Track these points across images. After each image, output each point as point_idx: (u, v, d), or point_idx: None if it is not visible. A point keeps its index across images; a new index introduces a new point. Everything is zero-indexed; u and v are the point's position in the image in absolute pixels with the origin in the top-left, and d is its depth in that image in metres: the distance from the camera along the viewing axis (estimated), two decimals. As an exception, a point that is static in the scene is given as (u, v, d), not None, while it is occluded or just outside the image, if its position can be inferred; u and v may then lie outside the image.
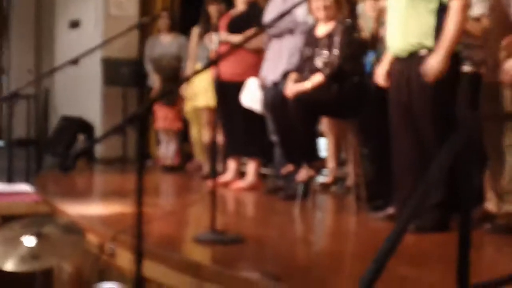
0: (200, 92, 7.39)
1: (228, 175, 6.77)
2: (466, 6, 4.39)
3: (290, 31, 5.97)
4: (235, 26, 6.47)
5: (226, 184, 6.57)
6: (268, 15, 6.16)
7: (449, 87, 4.48)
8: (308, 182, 5.56)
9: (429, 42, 4.43)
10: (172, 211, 5.19)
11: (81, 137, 9.27)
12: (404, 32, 4.51)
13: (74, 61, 4.82)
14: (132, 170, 7.63)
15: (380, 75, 4.84)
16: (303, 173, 5.45)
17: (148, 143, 9.10)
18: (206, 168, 7.54)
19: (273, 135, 6.22)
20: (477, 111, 4.70)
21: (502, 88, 4.62)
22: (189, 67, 7.79)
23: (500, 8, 4.64)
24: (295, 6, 3.94)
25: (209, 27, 7.28)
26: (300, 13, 5.90)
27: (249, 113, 6.33)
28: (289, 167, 5.64)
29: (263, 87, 6.21)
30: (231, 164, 6.77)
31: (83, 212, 5.18)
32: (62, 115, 9.94)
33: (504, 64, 4.13)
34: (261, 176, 6.80)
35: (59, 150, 9.02)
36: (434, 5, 4.45)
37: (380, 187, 5.48)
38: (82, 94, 9.79)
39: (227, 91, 6.39)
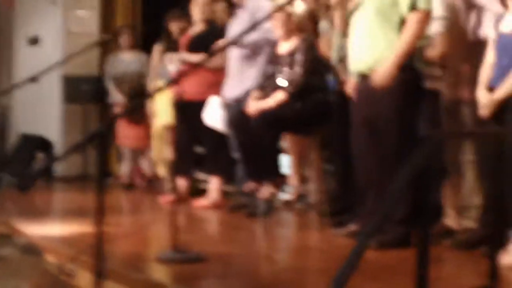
0: (161, 110, 7.38)
1: (177, 194, 6.77)
2: (423, 20, 4.43)
3: (260, 48, 5.98)
4: (195, 45, 6.47)
5: (177, 202, 6.57)
6: (233, 31, 6.16)
7: (411, 104, 4.51)
8: (270, 199, 5.55)
9: None
10: (134, 230, 5.14)
11: (40, 156, 9.17)
12: (369, 50, 4.54)
13: (34, 79, 4.76)
14: (92, 189, 7.56)
15: (350, 90, 4.87)
16: (265, 190, 5.44)
17: (109, 161, 9.03)
18: (168, 185, 7.50)
19: (235, 152, 6.22)
20: (438, 128, 4.74)
21: (461, 105, 4.67)
22: (151, 84, 7.77)
23: (458, 25, 4.68)
24: (258, 23, 3.95)
25: (170, 44, 7.29)
26: (269, 30, 5.92)
27: (211, 131, 6.33)
28: (252, 184, 5.63)
29: (225, 105, 6.21)
30: (181, 182, 6.74)
31: (42, 232, 5.11)
32: (21, 133, 9.83)
33: (480, 97, 4.17)
34: (224, 193, 6.78)
35: (18, 169, 8.90)
36: (397, 22, 4.48)
37: (343, 203, 5.50)
38: (42, 112, 9.68)
39: (188, 110, 6.38)
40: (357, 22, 4.67)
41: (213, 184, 6.63)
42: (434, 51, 4.86)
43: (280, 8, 5.10)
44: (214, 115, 6.28)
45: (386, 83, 4.42)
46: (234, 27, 6.19)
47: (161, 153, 7.79)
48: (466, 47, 4.65)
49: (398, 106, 4.45)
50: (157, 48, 7.76)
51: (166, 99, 7.02)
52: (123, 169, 8.44)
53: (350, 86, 4.87)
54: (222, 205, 6.49)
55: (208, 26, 6.66)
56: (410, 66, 4.48)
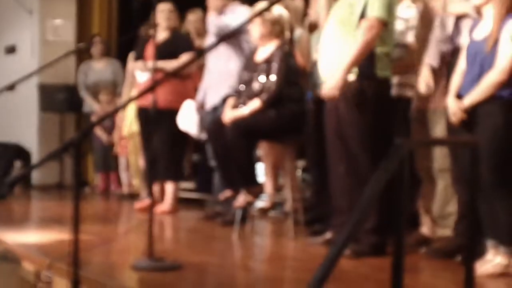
0: (131, 118, 7.43)
1: (147, 200, 6.80)
2: (374, 27, 4.47)
3: (240, 50, 6.03)
4: (161, 53, 6.49)
5: (145, 209, 6.62)
6: (209, 38, 6.20)
7: (378, 112, 4.55)
8: (246, 208, 5.57)
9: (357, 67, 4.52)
10: (109, 238, 5.15)
11: (17, 164, 9.15)
12: (333, 60, 4.59)
13: (10, 87, 4.76)
14: (69, 197, 7.56)
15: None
16: (241, 199, 5.46)
17: (85, 170, 9.02)
18: (143, 194, 7.52)
19: (212, 160, 6.25)
20: (408, 137, 4.79)
21: (429, 113, 4.73)
22: (125, 93, 7.80)
23: (426, 36, 4.73)
24: (237, 29, 3.98)
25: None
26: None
27: (172, 138, 6.46)
28: (228, 193, 5.65)
29: (200, 110, 6.27)
30: (154, 189, 6.78)
31: (19, 239, 5.10)
32: (-3, 141, 9.80)
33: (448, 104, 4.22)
34: (198, 202, 6.86)
35: (-5, 177, 8.88)
36: (355, 31, 4.53)
37: (318, 212, 5.53)
38: (19, 120, 9.66)
39: (150, 117, 6.42)
40: (325, 32, 4.75)
41: (169, 190, 6.73)
42: (406, 59, 4.93)
43: (258, 14, 5.12)
44: (188, 120, 6.32)
45: (333, 93, 4.47)
46: (212, 34, 6.22)
47: (135, 160, 7.82)
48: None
49: (361, 114, 4.49)
50: (131, 57, 7.79)
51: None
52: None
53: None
54: (176, 210, 6.69)
55: (172, 34, 6.69)
56: (370, 75, 4.52)
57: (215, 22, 6.03)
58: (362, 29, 4.48)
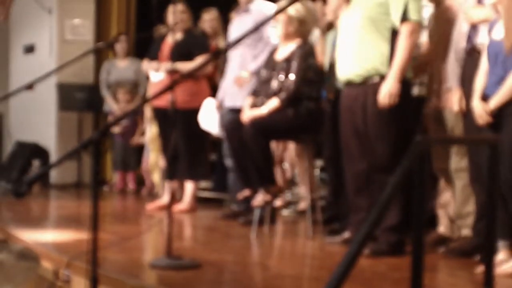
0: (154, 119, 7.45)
1: (165, 198, 6.84)
2: (415, 31, 4.48)
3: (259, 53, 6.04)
4: (175, 54, 6.51)
5: (162, 207, 6.65)
6: (234, 35, 6.20)
7: (402, 112, 4.54)
8: (264, 207, 5.57)
9: (384, 68, 4.50)
10: (128, 236, 5.16)
11: (35, 163, 9.18)
12: (359, 58, 4.56)
13: (29, 86, 4.78)
14: (87, 196, 7.60)
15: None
16: (259, 198, 5.46)
17: (104, 169, 9.05)
18: (160, 191, 7.56)
19: (228, 160, 6.27)
20: (426, 135, 4.77)
21: (447, 113, 4.71)
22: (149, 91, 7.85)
23: (446, 35, 4.71)
24: (259, 25, 3.97)
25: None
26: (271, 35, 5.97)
27: (190, 137, 6.47)
28: (246, 192, 5.65)
29: (219, 108, 6.28)
30: (169, 187, 6.80)
31: (37, 238, 5.13)
32: (16, 140, 9.84)
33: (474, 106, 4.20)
34: (215, 201, 6.88)
35: (13, 176, 8.92)
36: (388, 31, 4.52)
37: (336, 211, 5.52)
38: (37, 119, 9.71)
39: (168, 117, 6.45)
40: (346, 29, 4.70)
41: (188, 189, 6.73)
42: (419, 59, 4.92)
43: (281, 10, 5.11)
44: (209, 119, 6.34)
45: (393, 100, 4.44)
46: (236, 31, 6.22)
47: (156, 159, 7.86)
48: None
49: (387, 114, 4.48)
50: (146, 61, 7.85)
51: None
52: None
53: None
54: (196, 209, 6.72)
55: (186, 34, 6.70)
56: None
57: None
58: (404, 33, 4.46)
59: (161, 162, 7.57)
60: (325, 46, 5.71)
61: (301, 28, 5.53)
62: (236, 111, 5.84)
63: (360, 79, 4.58)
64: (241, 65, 6.11)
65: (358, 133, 4.62)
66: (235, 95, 6.09)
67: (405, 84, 4.53)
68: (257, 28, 4.24)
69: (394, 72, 4.43)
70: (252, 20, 6.05)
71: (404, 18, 4.47)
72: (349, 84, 4.68)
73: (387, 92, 4.42)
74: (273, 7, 6.12)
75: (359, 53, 4.57)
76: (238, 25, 6.26)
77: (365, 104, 4.55)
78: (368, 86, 4.55)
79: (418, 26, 4.51)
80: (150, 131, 7.91)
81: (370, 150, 4.58)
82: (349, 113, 4.68)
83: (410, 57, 4.48)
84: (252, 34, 5.71)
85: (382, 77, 4.49)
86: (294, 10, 5.49)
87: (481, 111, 4.08)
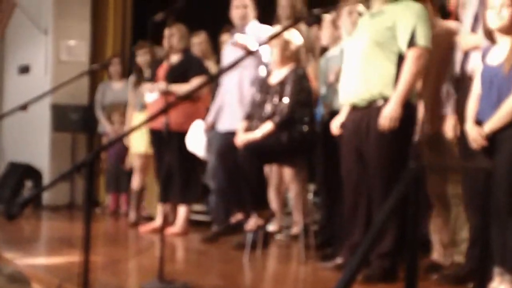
0: (134, 139, 7.47)
1: (157, 221, 6.84)
2: (422, 56, 4.46)
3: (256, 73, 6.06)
4: (173, 75, 6.52)
5: (155, 230, 6.66)
6: (229, 57, 6.21)
7: (404, 137, 4.53)
8: (257, 231, 5.54)
9: (389, 92, 4.47)
10: (120, 259, 5.13)
11: (28, 184, 9.16)
12: (365, 81, 4.54)
13: (23, 107, 4.77)
14: (79, 217, 7.56)
15: (335, 125, 4.90)
16: (252, 222, 5.44)
17: (97, 190, 9.02)
18: (132, 215, 7.58)
19: (211, 181, 6.27)
20: (420, 162, 4.76)
21: (443, 138, 4.70)
22: (129, 114, 7.89)
23: (438, 60, 4.72)
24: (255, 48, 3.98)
25: (140, 75, 7.61)
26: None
27: (184, 160, 6.44)
28: (239, 216, 5.63)
29: (209, 131, 6.28)
30: (162, 210, 6.79)
31: (29, 260, 5.09)
32: (9, 161, 9.82)
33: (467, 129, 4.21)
34: (198, 223, 6.89)
35: (5, 196, 8.89)
36: (395, 55, 4.50)
37: (329, 235, 5.50)
38: (30, 140, 9.69)
39: (162, 139, 6.44)
40: (353, 53, 4.69)
41: (181, 212, 6.72)
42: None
43: (277, 35, 5.12)
44: (196, 141, 6.33)
45: (393, 124, 4.42)
46: (231, 53, 6.23)
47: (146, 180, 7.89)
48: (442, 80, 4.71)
49: (391, 140, 4.46)
50: (131, 80, 7.94)
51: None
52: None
53: (336, 124, 4.91)
54: (188, 232, 6.69)
55: (184, 55, 6.72)
56: (407, 101, 4.50)
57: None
58: (410, 57, 4.45)
59: (134, 183, 7.62)
60: (318, 70, 5.73)
61: (295, 53, 5.55)
62: (229, 135, 5.85)
63: (364, 103, 4.56)
64: (239, 87, 6.11)
65: (360, 156, 4.60)
66: (230, 118, 6.09)
67: (409, 108, 4.50)
68: (252, 53, 4.24)
69: (397, 96, 4.42)
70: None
71: (411, 43, 4.47)
72: (354, 108, 4.66)
73: (388, 115, 4.41)
74: (268, 30, 6.14)
75: (365, 76, 4.55)
76: (234, 47, 6.27)
77: (369, 127, 4.53)
78: (372, 109, 4.53)
79: (426, 52, 4.47)
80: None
81: (370, 174, 4.55)
82: (352, 136, 4.64)
83: (415, 82, 4.46)
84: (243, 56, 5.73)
85: (387, 101, 4.47)
86: (290, 35, 5.50)
87: (475, 135, 4.08)
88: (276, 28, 5.63)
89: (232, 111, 6.09)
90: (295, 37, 5.54)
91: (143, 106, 7.42)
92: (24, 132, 9.80)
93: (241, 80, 6.10)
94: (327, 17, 5.68)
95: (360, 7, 5.32)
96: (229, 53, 6.29)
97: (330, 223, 5.52)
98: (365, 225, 4.55)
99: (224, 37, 6.95)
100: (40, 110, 8.75)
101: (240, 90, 6.09)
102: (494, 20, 4.08)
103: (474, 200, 4.25)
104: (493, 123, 4.00)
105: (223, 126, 6.18)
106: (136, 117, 7.56)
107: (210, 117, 6.38)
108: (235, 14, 6.26)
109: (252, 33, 6.16)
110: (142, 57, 7.67)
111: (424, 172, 4.65)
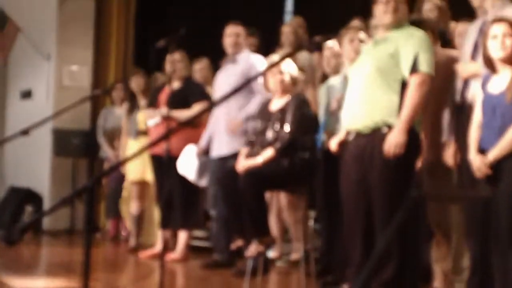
0: (131, 165, 7.47)
1: (157, 247, 6.84)
2: (425, 83, 4.45)
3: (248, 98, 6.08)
4: (174, 101, 6.55)
5: (155, 256, 6.65)
6: (221, 85, 6.24)
7: (407, 165, 4.51)
8: (257, 258, 5.53)
9: (393, 120, 4.46)
10: (120, 285, 5.11)
11: (28, 208, 9.14)
12: (368, 109, 4.53)
13: (25, 132, 4.78)
14: (79, 243, 7.55)
15: (334, 143, 4.89)
16: (253, 249, 5.42)
17: (97, 215, 9.01)
18: (132, 241, 7.57)
19: (212, 209, 6.27)
20: (421, 189, 4.75)
21: (443, 166, 4.70)
22: (123, 141, 7.90)
23: (438, 89, 4.73)
24: (251, 80, 3.99)
25: (134, 104, 7.66)
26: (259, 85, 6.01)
27: (185, 185, 6.42)
28: (239, 242, 5.62)
29: (201, 156, 6.29)
30: (162, 236, 6.77)
31: (28, 285, 5.08)
32: (10, 185, 9.81)
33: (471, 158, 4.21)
34: (198, 249, 6.84)
35: (6, 221, 8.87)
36: (398, 83, 4.50)
37: (329, 262, 5.49)
38: (31, 164, 9.69)
39: (163, 165, 6.43)
40: (355, 79, 4.69)
41: (182, 238, 6.70)
42: None
43: (275, 65, 5.14)
44: (187, 165, 6.34)
45: (398, 150, 4.41)
46: (223, 81, 6.26)
47: (126, 206, 7.88)
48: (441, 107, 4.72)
49: (395, 167, 4.44)
50: (124, 107, 7.99)
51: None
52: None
53: (335, 141, 4.90)
54: (188, 258, 6.66)
55: (184, 82, 6.75)
56: (411, 129, 4.49)
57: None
58: (413, 84, 4.43)
59: (132, 208, 7.61)
60: (317, 97, 5.75)
61: (294, 82, 5.59)
62: (222, 160, 5.88)
63: (368, 130, 4.55)
64: (228, 115, 6.13)
65: (363, 183, 4.57)
66: (223, 143, 6.12)
67: (413, 135, 4.49)
68: (248, 81, 4.26)
69: (402, 122, 4.40)
70: (239, 70, 6.13)
71: (414, 69, 4.47)
72: (357, 135, 4.65)
73: (392, 141, 4.39)
74: (260, 59, 6.20)
75: (368, 104, 4.53)
76: (225, 75, 6.32)
77: (373, 154, 4.51)
78: (376, 136, 4.51)
79: (428, 78, 4.46)
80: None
81: (373, 200, 4.53)
82: (355, 163, 4.61)
83: (418, 108, 4.44)
84: (241, 85, 5.77)
85: (391, 128, 4.46)
86: (286, 65, 5.54)
87: (479, 164, 4.07)
88: (275, 56, 5.68)
89: (226, 138, 6.12)
90: (291, 67, 5.57)
91: (137, 133, 7.46)
92: (25, 157, 9.81)
93: (230, 108, 6.11)
94: (328, 45, 5.71)
95: (362, 35, 5.35)
96: (220, 80, 6.34)
97: (330, 250, 5.50)
98: (365, 249, 4.51)
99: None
100: (42, 135, 8.76)
101: (229, 118, 6.11)
102: (497, 50, 4.09)
103: (474, 229, 4.24)
104: (497, 151, 4.00)
105: (216, 152, 6.21)
106: (130, 145, 7.57)
107: (202, 142, 6.40)
108: (227, 42, 6.31)
109: (244, 60, 6.21)
110: (136, 84, 7.72)
111: (425, 200, 4.64)
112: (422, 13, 5.65)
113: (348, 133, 4.70)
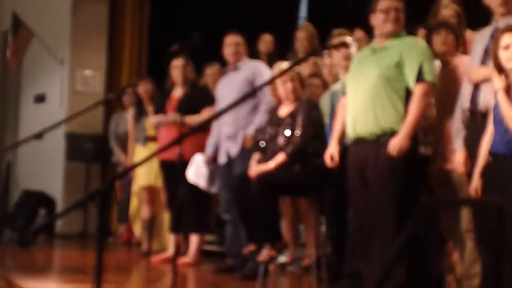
0: (140, 171, 7.49)
1: (169, 251, 6.84)
2: (429, 92, 4.51)
3: (254, 108, 6.08)
4: (182, 108, 6.56)
5: (167, 260, 6.65)
6: (224, 92, 6.25)
7: (411, 169, 4.54)
8: (268, 262, 5.53)
9: (398, 127, 4.51)
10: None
11: (42, 212, 9.18)
12: (374, 117, 4.57)
13: (38, 135, 4.81)
14: (92, 246, 7.57)
15: (330, 156, 4.91)
16: (265, 253, 5.43)
17: (110, 220, 9.03)
18: (145, 245, 7.58)
19: (225, 214, 6.28)
20: (432, 197, 4.76)
21: (452, 175, 4.71)
22: (130, 147, 7.92)
23: (449, 96, 4.74)
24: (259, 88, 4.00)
25: (140, 107, 7.70)
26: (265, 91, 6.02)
27: (196, 190, 6.43)
28: (251, 247, 5.62)
29: (210, 163, 6.29)
30: (175, 240, 6.77)
31: (40, 288, 5.10)
32: (23, 189, 9.86)
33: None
34: (210, 254, 6.88)
35: (19, 225, 8.91)
36: (403, 91, 4.54)
37: (339, 268, 5.48)
38: (44, 168, 9.73)
39: (174, 170, 6.44)
40: (357, 87, 4.72)
41: (193, 242, 6.69)
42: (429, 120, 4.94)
43: (285, 72, 5.15)
44: (198, 173, 6.35)
45: (400, 154, 4.45)
46: (227, 89, 6.26)
47: (138, 212, 7.88)
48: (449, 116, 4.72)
49: (396, 173, 4.47)
50: (130, 113, 8.01)
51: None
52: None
53: (327, 155, 4.94)
54: (200, 262, 6.64)
55: (188, 88, 6.76)
56: (415, 136, 4.52)
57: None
58: (417, 93, 4.50)
59: (143, 213, 7.63)
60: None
61: (303, 89, 5.62)
62: (234, 165, 5.91)
63: (373, 137, 4.59)
64: (234, 121, 6.14)
65: (367, 189, 4.60)
66: (232, 145, 6.13)
67: (415, 143, 4.55)
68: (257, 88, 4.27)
69: (407, 129, 4.46)
70: (243, 77, 6.14)
71: (419, 78, 4.51)
72: (361, 141, 4.67)
73: (397, 145, 4.44)
74: (262, 65, 6.23)
75: (373, 112, 4.58)
76: (228, 82, 6.32)
77: (377, 161, 4.54)
78: (380, 143, 4.55)
79: (432, 87, 4.55)
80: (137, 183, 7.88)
81: (378, 206, 4.54)
82: (359, 169, 4.65)
83: (422, 117, 4.52)
84: (246, 91, 5.81)
85: (393, 134, 4.51)
86: (299, 71, 5.58)
87: (476, 185, 4.14)
88: (283, 64, 5.71)
89: (234, 139, 6.14)
90: (303, 73, 5.62)
91: (146, 140, 7.48)
92: (39, 161, 9.85)
93: (237, 114, 6.11)
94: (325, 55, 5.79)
95: (348, 39, 5.40)
96: (222, 87, 6.35)
97: (340, 255, 5.50)
98: (376, 259, 4.52)
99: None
100: (55, 139, 8.80)
101: (238, 123, 6.12)
102: (509, 60, 4.09)
103: (485, 237, 4.24)
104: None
105: (223, 159, 6.23)
106: (138, 151, 7.59)
107: (209, 150, 6.40)
108: (227, 51, 6.33)
109: (245, 66, 6.22)
110: (143, 90, 7.73)
111: (436, 208, 4.64)
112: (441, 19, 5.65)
113: (340, 143, 4.77)
